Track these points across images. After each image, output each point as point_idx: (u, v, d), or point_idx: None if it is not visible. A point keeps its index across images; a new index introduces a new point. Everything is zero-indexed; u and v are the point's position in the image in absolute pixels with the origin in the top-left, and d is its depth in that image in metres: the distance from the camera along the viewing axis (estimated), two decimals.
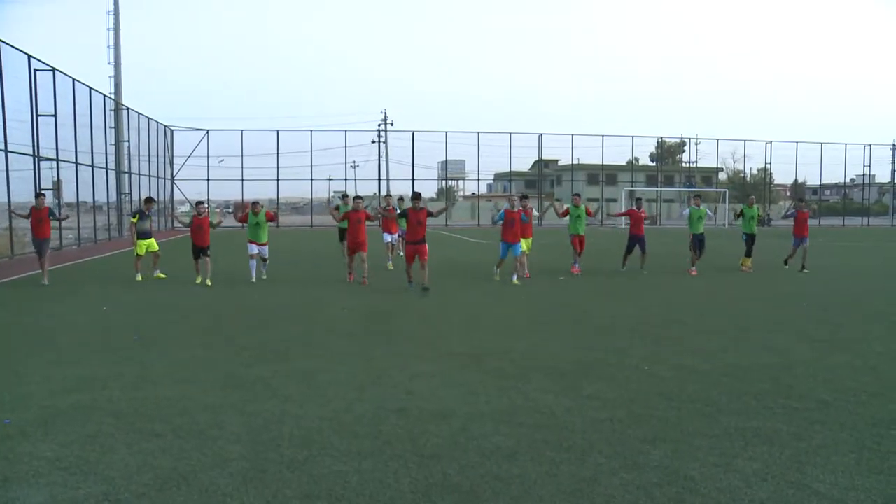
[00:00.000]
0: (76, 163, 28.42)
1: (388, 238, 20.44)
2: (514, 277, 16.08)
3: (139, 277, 16.59)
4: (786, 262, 19.80)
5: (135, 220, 17.44)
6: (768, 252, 23.68)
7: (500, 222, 16.13)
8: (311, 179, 51.86)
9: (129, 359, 8.35)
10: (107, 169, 32.77)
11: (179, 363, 8.19)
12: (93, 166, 30.24)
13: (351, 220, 15.90)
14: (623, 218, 54.79)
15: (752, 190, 70.92)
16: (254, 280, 15.99)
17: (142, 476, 4.80)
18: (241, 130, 50.45)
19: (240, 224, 17.50)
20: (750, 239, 19.61)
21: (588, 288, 15.59)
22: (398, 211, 18.92)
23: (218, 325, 10.77)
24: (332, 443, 5.46)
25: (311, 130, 51.16)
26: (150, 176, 41.15)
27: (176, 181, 48.80)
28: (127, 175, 36.75)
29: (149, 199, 19.08)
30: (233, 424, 5.90)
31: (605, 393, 6.86)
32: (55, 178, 27.51)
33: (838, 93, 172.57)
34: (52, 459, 5.11)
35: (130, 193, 36.78)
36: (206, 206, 17.66)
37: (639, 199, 20.92)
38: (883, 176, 69.10)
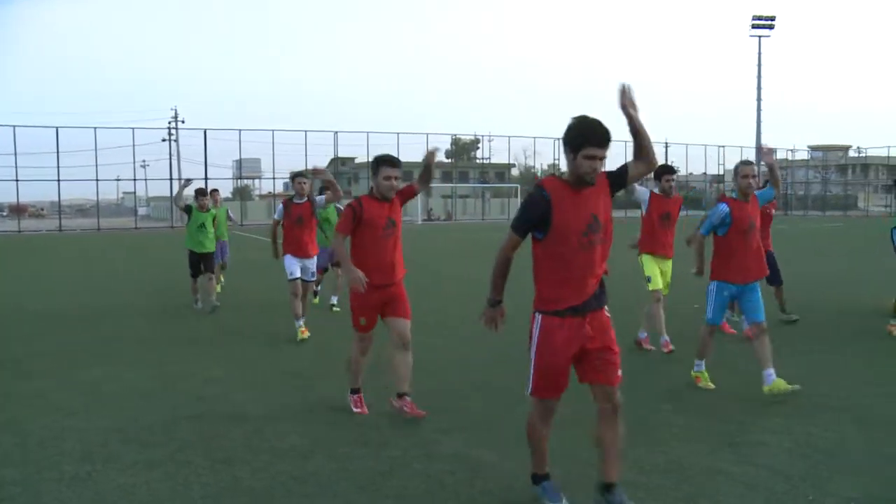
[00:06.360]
0: None
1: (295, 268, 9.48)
2: (770, 376, 6.26)
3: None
4: None
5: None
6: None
7: (721, 233, 6.56)
8: (97, 180, 48.41)
9: None
10: None
11: None
12: None
13: (373, 222, 6.14)
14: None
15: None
16: None
17: None
18: (14, 126, 45.59)
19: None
20: None
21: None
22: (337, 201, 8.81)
23: None
24: (119, 455, 5.20)
25: (95, 128, 47.81)
26: None
27: None
28: None
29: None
30: (4, 445, 5.45)
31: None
32: None
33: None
34: None
35: None
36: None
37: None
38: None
